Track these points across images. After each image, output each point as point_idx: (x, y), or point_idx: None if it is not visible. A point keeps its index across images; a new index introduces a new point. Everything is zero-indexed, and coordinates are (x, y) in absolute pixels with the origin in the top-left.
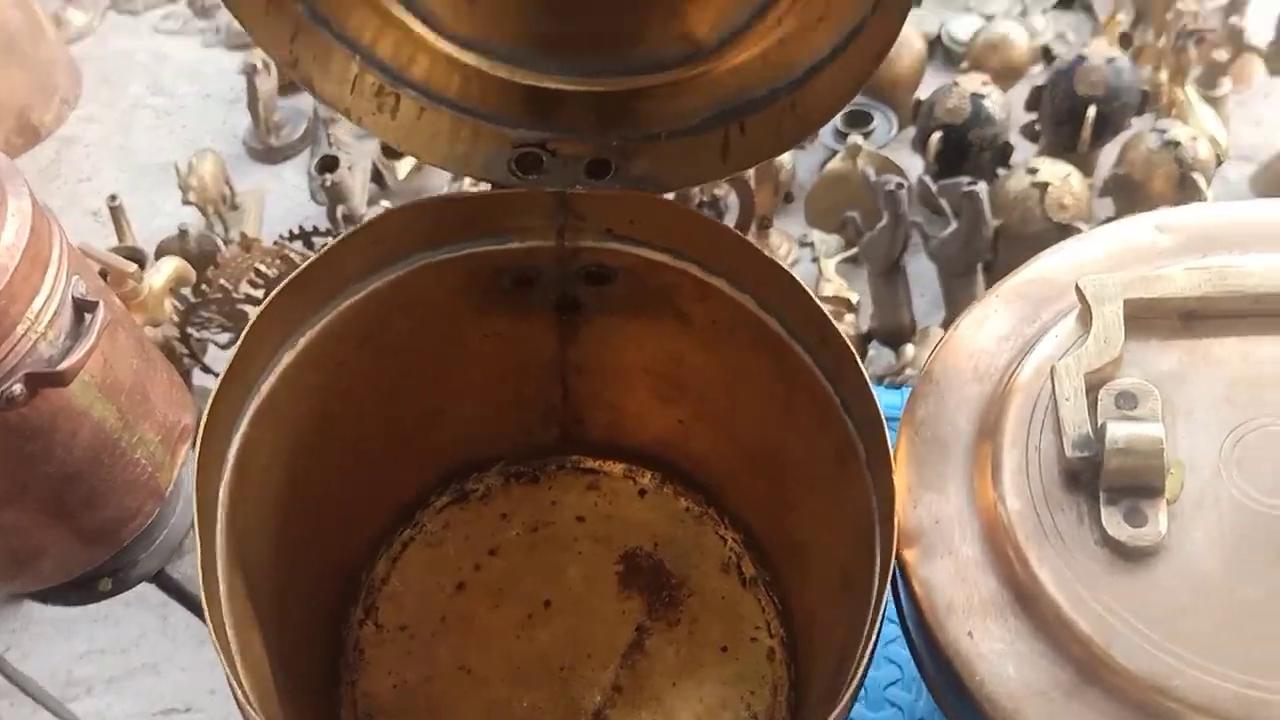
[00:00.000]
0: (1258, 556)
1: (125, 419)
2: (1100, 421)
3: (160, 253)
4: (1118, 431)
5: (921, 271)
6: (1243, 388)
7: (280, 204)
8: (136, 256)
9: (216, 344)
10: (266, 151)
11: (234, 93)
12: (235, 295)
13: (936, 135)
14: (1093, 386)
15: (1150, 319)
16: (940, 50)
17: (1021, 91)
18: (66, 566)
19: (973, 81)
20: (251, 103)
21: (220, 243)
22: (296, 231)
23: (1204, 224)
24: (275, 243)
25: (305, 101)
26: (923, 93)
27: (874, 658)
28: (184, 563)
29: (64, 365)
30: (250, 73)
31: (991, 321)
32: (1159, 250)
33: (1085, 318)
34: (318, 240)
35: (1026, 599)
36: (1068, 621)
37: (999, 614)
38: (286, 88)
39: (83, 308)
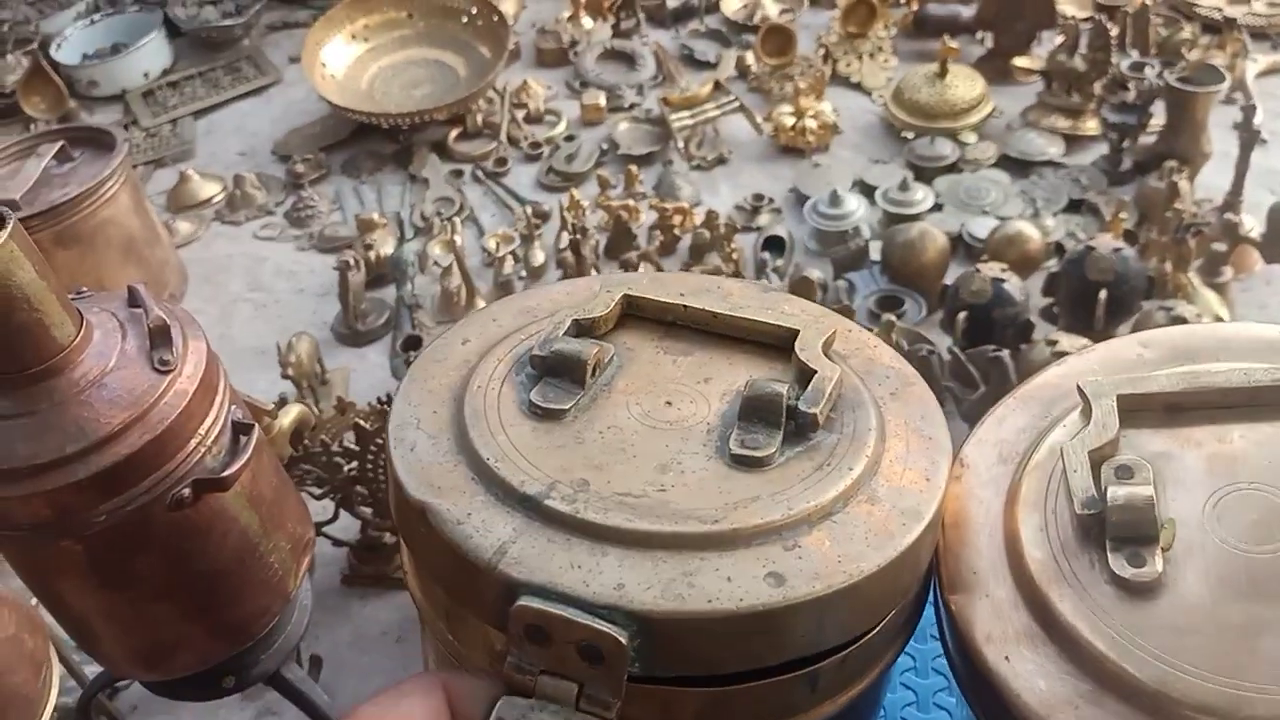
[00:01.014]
0: (1239, 589)
1: (265, 526)
2: (1103, 487)
3: (281, 404)
4: (1118, 492)
5: (958, 432)
6: (1219, 461)
7: (364, 380)
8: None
9: (312, 494)
10: (353, 336)
11: (323, 288)
12: (334, 450)
13: (963, 314)
14: (1095, 464)
15: (1139, 411)
16: (962, 247)
17: (1037, 281)
18: (200, 658)
19: (993, 268)
20: (342, 293)
21: (314, 410)
22: (385, 398)
23: (1179, 341)
24: (369, 404)
25: (388, 294)
26: (948, 280)
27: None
28: (296, 666)
29: (226, 473)
30: (343, 269)
31: (1010, 419)
32: (1144, 361)
33: (1086, 411)
34: None
35: (1052, 628)
36: (1087, 644)
37: (1030, 641)
38: (373, 281)
39: (240, 430)
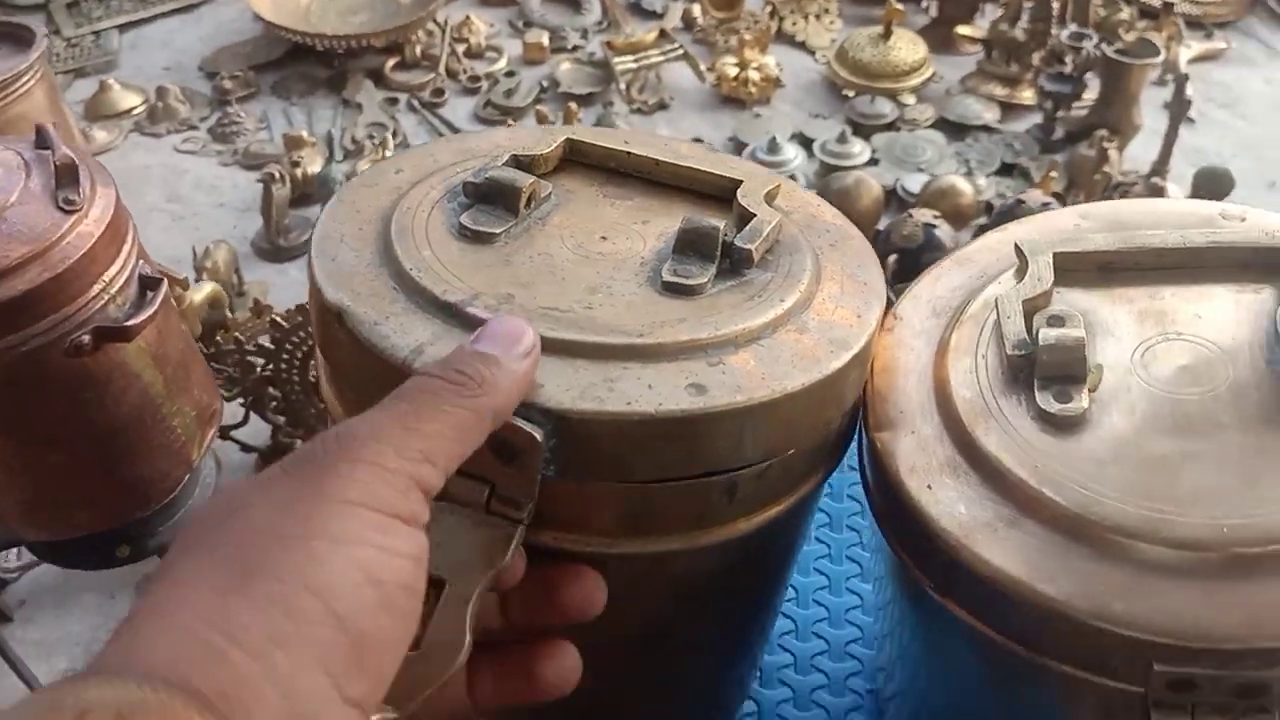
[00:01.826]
0: (1162, 426)
1: (169, 388)
2: (1035, 331)
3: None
4: (1049, 334)
5: None
6: (1149, 315)
7: (283, 294)
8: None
9: (222, 397)
10: (274, 251)
11: (245, 204)
12: (248, 348)
13: (893, 257)
14: (1029, 313)
15: (1074, 271)
16: (895, 200)
17: (966, 237)
18: (96, 518)
19: (925, 214)
20: (265, 207)
21: (229, 316)
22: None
23: (1115, 213)
24: (285, 314)
25: (313, 213)
26: (880, 228)
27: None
28: None
29: (130, 323)
30: (268, 181)
31: (946, 278)
32: (1081, 229)
33: (1022, 269)
34: None
35: (975, 459)
36: (1008, 472)
37: (953, 472)
38: (299, 199)
39: (147, 284)
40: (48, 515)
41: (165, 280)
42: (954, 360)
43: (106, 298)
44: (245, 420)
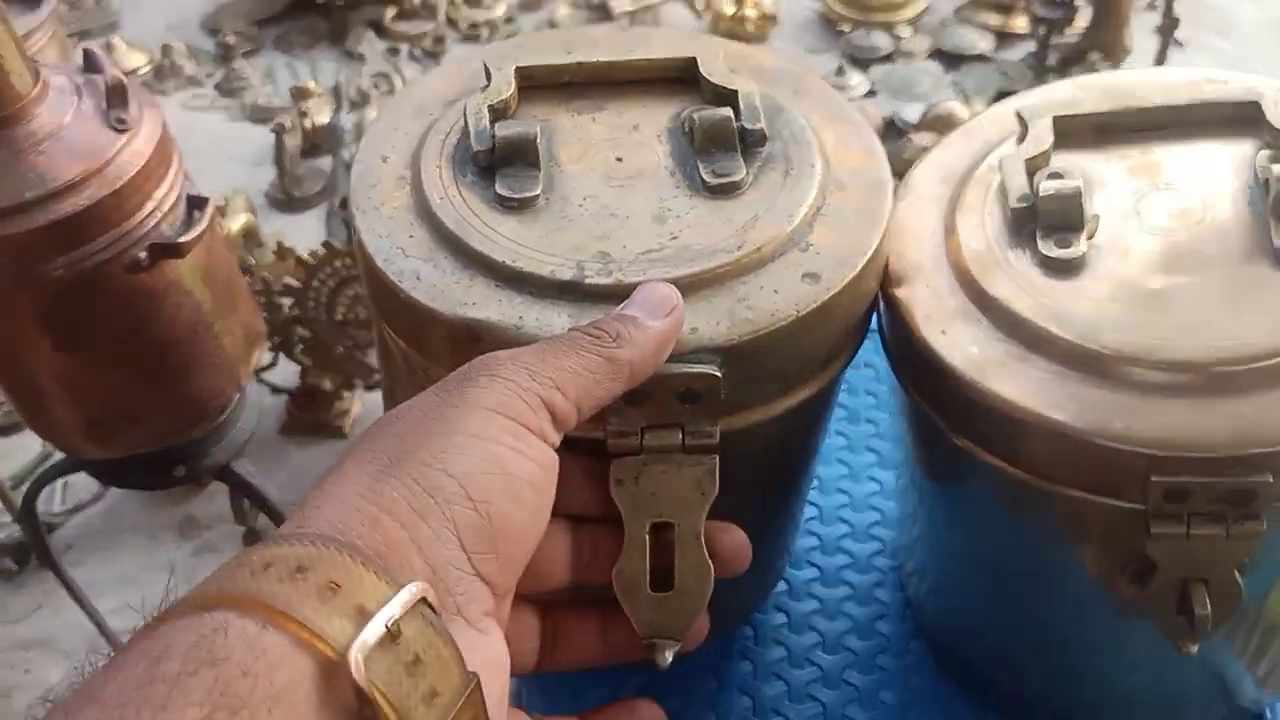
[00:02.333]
0: (1156, 264)
1: (218, 306)
2: (1036, 185)
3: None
4: (1049, 186)
5: None
6: (1141, 170)
7: (299, 242)
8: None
9: None
10: (288, 202)
11: (257, 156)
12: (274, 288)
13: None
14: (1030, 172)
15: (1072, 134)
16: (893, 130)
17: None
18: (153, 434)
19: (924, 138)
20: (278, 158)
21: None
22: (325, 244)
23: (1110, 82)
24: (311, 253)
25: (325, 163)
26: None
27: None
28: (245, 461)
29: (182, 239)
30: (279, 131)
31: (953, 148)
32: (1078, 99)
33: (1024, 133)
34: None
35: (985, 304)
36: (1015, 312)
37: (964, 317)
38: (309, 150)
39: (194, 204)
40: (108, 432)
41: (211, 200)
42: (962, 218)
43: (159, 215)
44: (275, 362)
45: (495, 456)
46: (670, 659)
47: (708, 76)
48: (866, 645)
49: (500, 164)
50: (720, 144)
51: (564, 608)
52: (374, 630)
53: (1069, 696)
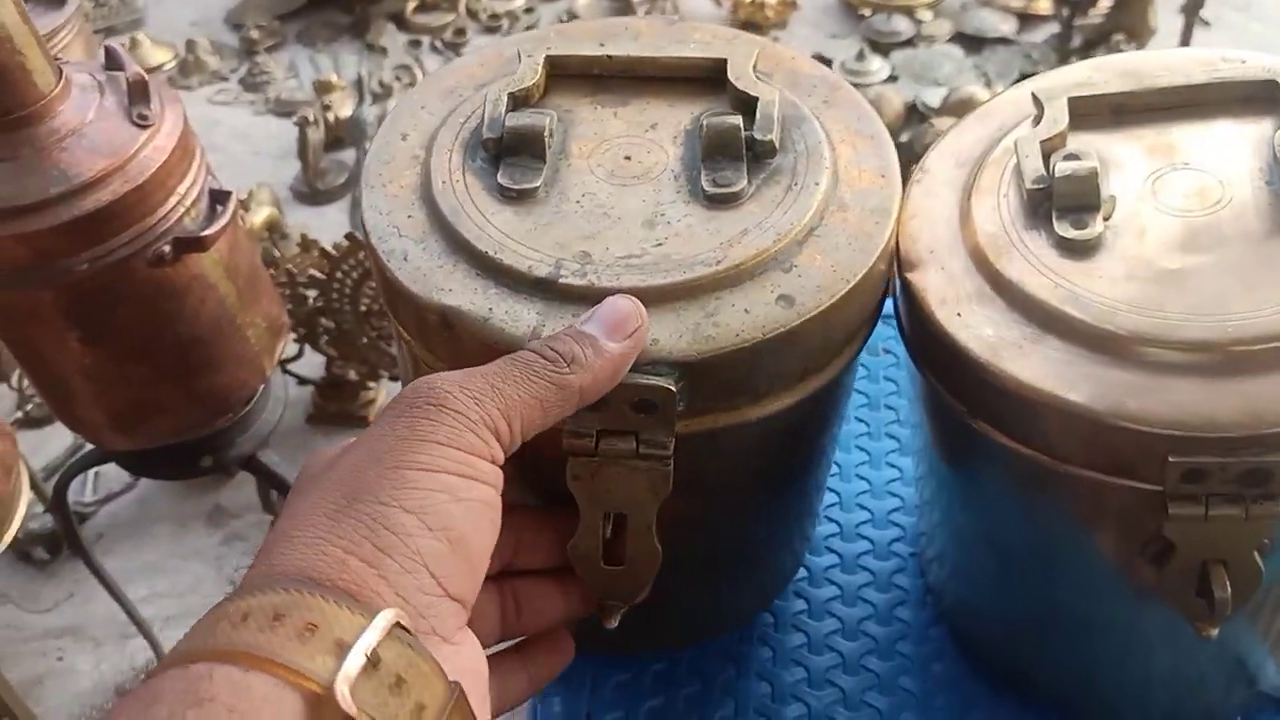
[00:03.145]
0: (1172, 244)
1: (242, 299)
2: (1052, 166)
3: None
4: (1064, 167)
5: None
6: (1158, 150)
7: (324, 236)
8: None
9: None
10: (312, 195)
11: (281, 150)
12: (299, 279)
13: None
14: (1046, 153)
15: (1088, 115)
16: (915, 116)
17: None
18: (179, 426)
19: (946, 123)
20: (302, 151)
21: (277, 253)
22: (348, 235)
23: (1127, 65)
24: (335, 245)
25: (348, 155)
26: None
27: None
28: (271, 451)
29: (205, 233)
30: (303, 124)
31: (969, 132)
32: (1095, 80)
33: (1039, 115)
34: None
35: (1000, 286)
36: (1031, 294)
37: (980, 300)
38: (332, 143)
39: (217, 199)
40: (135, 425)
41: (234, 194)
42: (977, 201)
43: (182, 210)
44: (300, 354)
45: (449, 486)
46: (618, 620)
47: (733, 81)
48: (886, 631)
49: (507, 153)
50: (726, 152)
51: (518, 576)
52: (355, 661)
53: (1089, 680)
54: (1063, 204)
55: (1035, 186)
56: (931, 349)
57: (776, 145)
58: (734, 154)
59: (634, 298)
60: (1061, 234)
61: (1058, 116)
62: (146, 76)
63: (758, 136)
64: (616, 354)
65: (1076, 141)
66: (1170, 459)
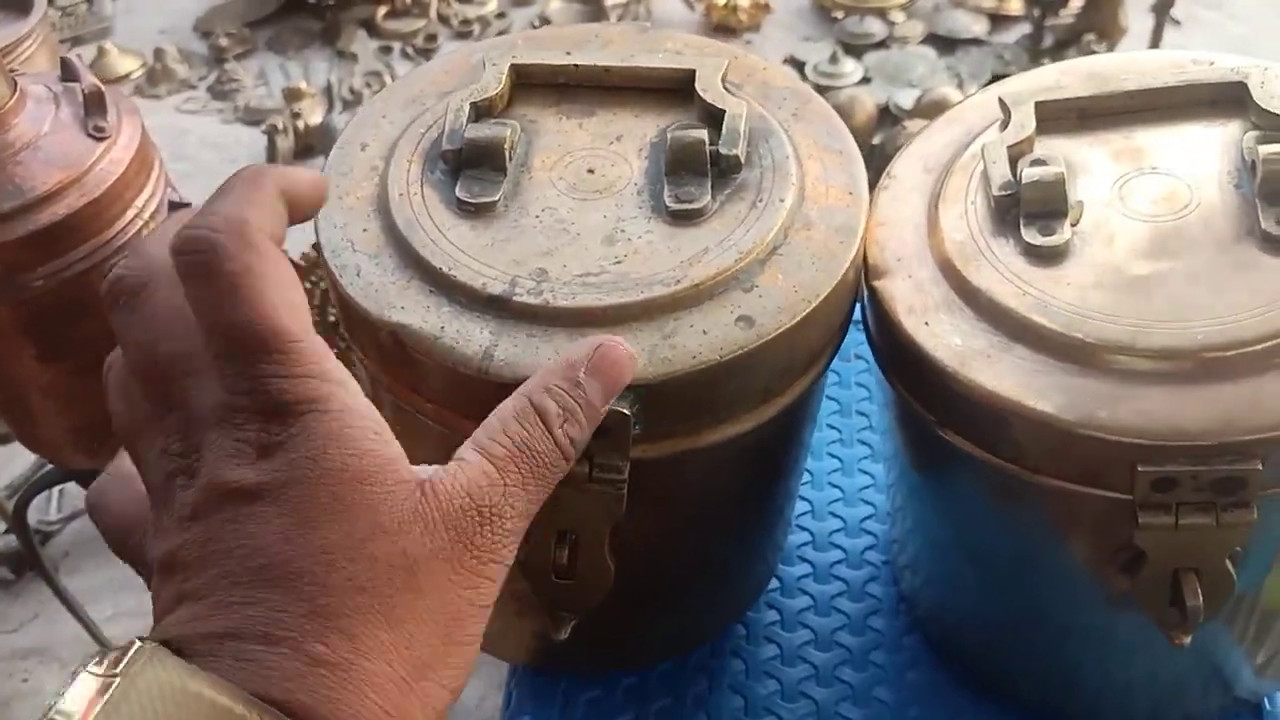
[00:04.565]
0: (1140, 250)
1: None
2: (1019, 172)
3: None
4: (1031, 173)
5: None
6: (1125, 155)
7: (292, 246)
8: None
9: None
10: None
11: (250, 158)
12: None
13: None
14: (1013, 159)
15: (1054, 120)
16: (888, 118)
17: None
18: None
19: (918, 125)
20: (271, 159)
21: None
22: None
23: (1094, 67)
24: (303, 255)
25: (318, 164)
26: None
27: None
28: None
29: None
30: (272, 132)
31: (936, 137)
32: (1062, 84)
33: (1006, 119)
34: None
35: (968, 295)
36: (999, 302)
37: (947, 308)
38: (302, 151)
39: (176, 210)
40: (96, 443)
41: (193, 206)
42: (945, 208)
43: (140, 223)
44: None
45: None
46: (568, 631)
47: (701, 92)
48: (860, 641)
49: (467, 165)
50: (690, 167)
51: None
52: None
53: (1067, 687)
54: (1030, 210)
55: (1003, 193)
56: (899, 358)
57: (742, 160)
58: (698, 169)
59: (629, 350)
60: (1029, 241)
61: (1024, 121)
62: (103, 88)
63: (723, 151)
64: (601, 416)
65: (1044, 146)
66: (1139, 468)
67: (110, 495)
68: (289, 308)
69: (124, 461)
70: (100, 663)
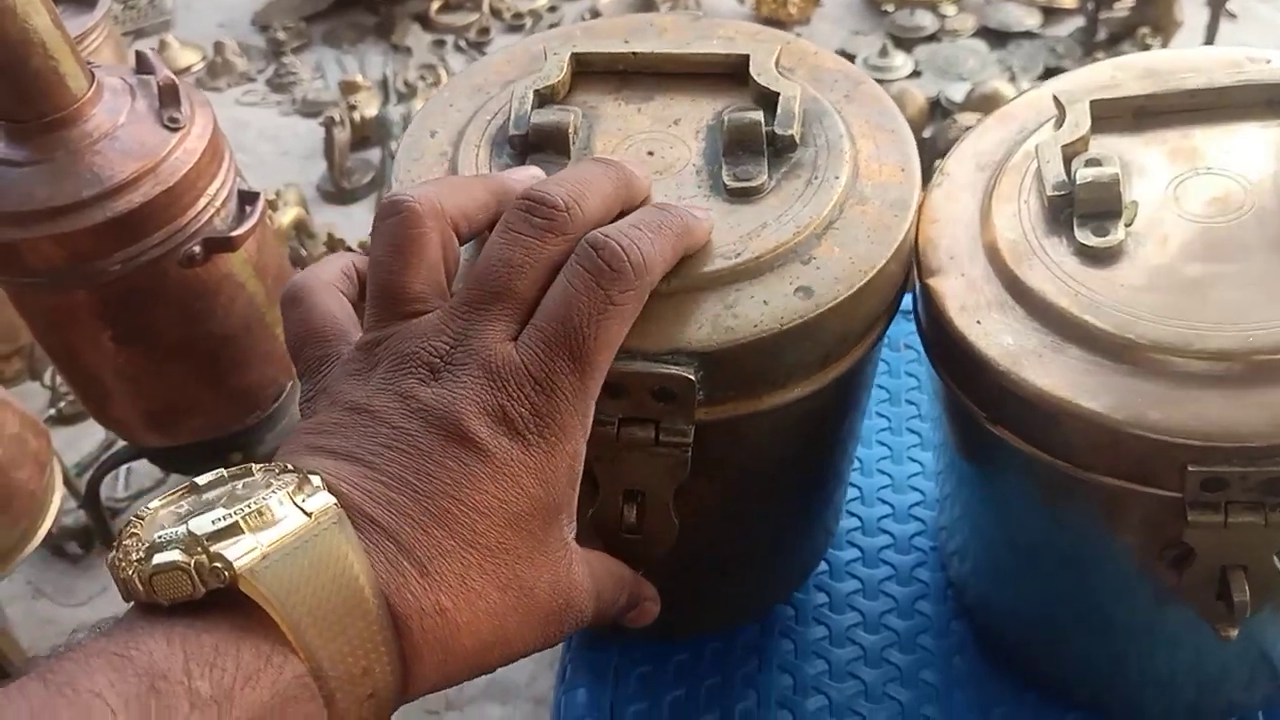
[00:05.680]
0: (1195, 252)
1: (270, 298)
2: (1073, 172)
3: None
4: (1086, 173)
5: None
6: (1180, 155)
7: (350, 234)
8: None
9: None
10: (339, 194)
11: (307, 151)
12: None
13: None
14: (1067, 158)
15: (1110, 118)
16: (939, 111)
17: None
18: (211, 423)
19: (969, 118)
20: (328, 150)
21: (304, 253)
22: None
23: (1149, 63)
24: (361, 243)
25: (374, 155)
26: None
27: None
28: None
29: (234, 233)
30: (329, 124)
31: (989, 134)
32: (1117, 81)
33: (1061, 118)
34: None
35: (1020, 294)
36: (1052, 302)
37: (999, 307)
38: (358, 143)
39: (245, 199)
40: (168, 423)
41: (262, 195)
42: (998, 207)
43: (212, 211)
44: None
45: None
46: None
47: (755, 76)
48: (908, 625)
49: (532, 149)
50: (747, 147)
51: None
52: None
53: (1110, 677)
54: (1084, 210)
55: (1056, 193)
56: (950, 354)
57: (797, 140)
58: (755, 149)
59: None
60: (1083, 241)
61: (1079, 120)
62: (177, 80)
63: (778, 131)
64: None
65: (1098, 145)
66: (1190, 468)
67: (316, 295)
68: None
69: (330, 267)
70: (298, 490)
